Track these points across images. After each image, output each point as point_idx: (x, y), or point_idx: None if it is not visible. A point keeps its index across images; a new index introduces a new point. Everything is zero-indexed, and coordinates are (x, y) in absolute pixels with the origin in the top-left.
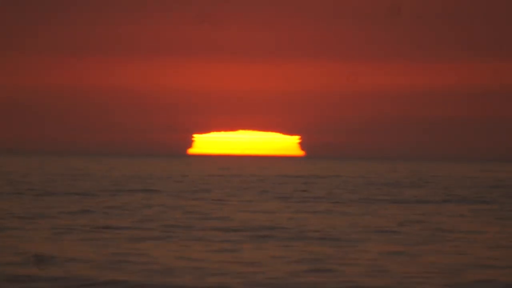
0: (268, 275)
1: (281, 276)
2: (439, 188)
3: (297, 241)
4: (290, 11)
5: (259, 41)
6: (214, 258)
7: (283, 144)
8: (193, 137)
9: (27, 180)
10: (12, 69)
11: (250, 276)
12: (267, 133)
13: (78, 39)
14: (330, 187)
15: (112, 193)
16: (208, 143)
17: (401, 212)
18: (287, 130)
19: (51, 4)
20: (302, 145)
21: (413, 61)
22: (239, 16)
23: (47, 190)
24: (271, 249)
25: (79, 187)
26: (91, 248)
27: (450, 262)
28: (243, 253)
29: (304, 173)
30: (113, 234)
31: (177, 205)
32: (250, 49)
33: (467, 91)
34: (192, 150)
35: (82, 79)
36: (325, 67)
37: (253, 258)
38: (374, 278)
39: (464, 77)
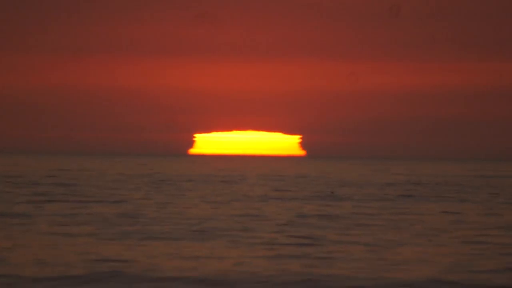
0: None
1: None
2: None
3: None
4: (291, 11)
5: (260, 41)
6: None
7: (284, 144)
8: (194, 136)
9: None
10: (12, 69)
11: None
12: (268, 133)
13: (79, 39)
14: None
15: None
16: (209, 143)
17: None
18: (288, 129)
19: (51, 4)
20: (303, 144)
21: (413, 61)
22: (239, 16)
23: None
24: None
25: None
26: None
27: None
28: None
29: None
30: None
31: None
32: (251, 49)
33: (468, 91)
34: (193, 150)
35: (83, 79)
36: (325, 67)
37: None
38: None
39: (464, 77)
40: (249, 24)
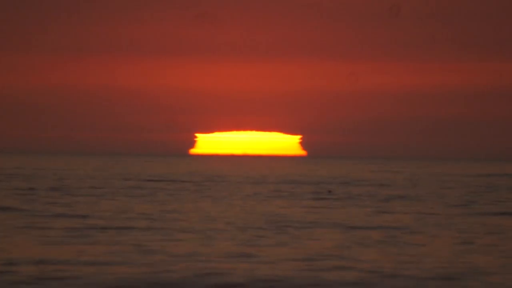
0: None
1: None
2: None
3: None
4: (291, 11)
5: (260, 41)
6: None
7: (284, 144)
8: (195, 136)
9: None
10: (12, 69)
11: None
12: (268, 133)
13: (79, 39)
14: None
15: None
16: (210, 143)
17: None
18: (288, 129)
19: (51, 4)
20: (303, 144)
21: (413, 61)
22: (239, 16)
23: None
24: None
25: None
26: None
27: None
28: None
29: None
30: None
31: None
32: (251, 49)
33: (468, 91)
34: (194, 150)
35: (83, 79)
36: (325, 67)
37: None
38: None
39: (464, 77)
40: (249, 24)
